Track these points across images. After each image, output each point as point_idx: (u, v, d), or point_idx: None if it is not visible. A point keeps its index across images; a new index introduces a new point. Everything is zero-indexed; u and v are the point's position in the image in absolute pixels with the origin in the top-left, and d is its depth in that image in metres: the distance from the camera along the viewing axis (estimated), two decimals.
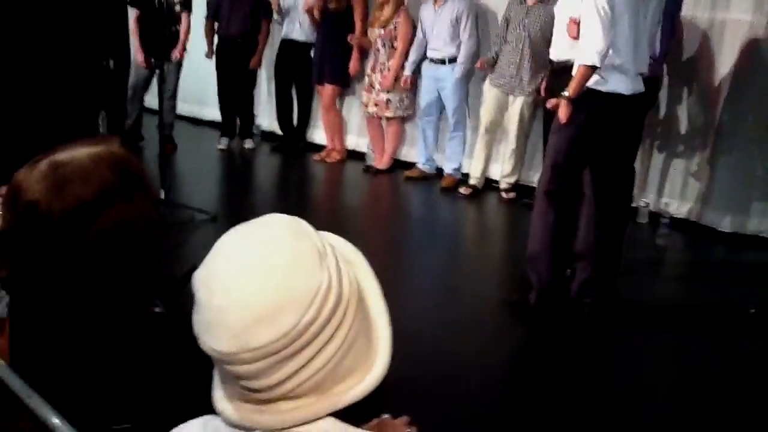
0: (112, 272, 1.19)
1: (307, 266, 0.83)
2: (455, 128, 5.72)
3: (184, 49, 6.17)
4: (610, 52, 3.08)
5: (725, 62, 4.74)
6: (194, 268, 0.85)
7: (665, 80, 4.83)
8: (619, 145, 3.38)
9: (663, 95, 4.91)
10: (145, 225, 1.21)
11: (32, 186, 1.15)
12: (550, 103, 3.52)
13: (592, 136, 3.25)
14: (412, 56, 5.76)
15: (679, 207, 5.01)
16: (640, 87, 3.25)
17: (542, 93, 5.01)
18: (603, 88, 3.14)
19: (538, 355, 3.22)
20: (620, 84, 3.16)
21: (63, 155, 1.18)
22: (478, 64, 5.39)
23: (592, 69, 3.09)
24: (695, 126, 4.92)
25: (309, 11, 6.04)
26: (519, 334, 3.37)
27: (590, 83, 3.14)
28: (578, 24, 3.53)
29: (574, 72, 3.20)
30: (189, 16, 6.06)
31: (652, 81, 3.70)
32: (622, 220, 3.87)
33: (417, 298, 3.71)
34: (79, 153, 1.19)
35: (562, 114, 3.19)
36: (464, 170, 5.76)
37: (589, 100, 3.15)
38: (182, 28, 6.10)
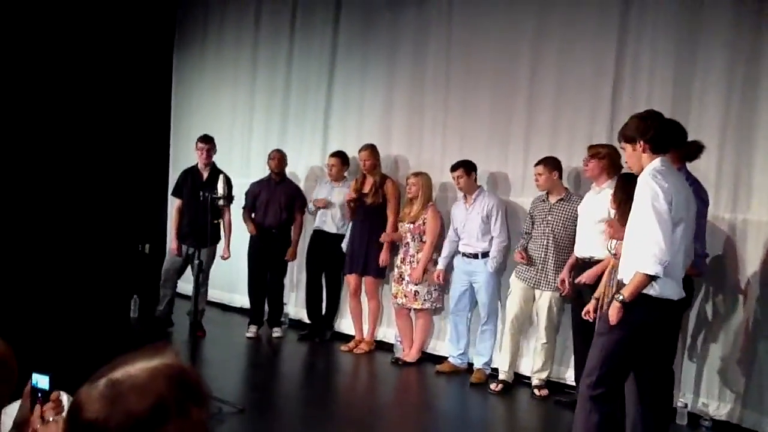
0: None
1: None
2: (487, 321, 5.73)
3: (228, 246, 6.47)
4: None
5: (751, 262, 4.79)
6: None
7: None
8: (662, 347, 3.37)
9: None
10: None
11: (91, 405, 1.20)
12: (589, 314, 3.54)
13: (642, 340, 3.23)
14: (445, 251, 5.91)
15: (718, 408, 4.83)
16: (683, 292, 3.28)
17: (564, 287, 5.06)
18: (653, 293, 3.14)
19: None
20: (670, 290, 3.17)
21: (120, 372, 1.23)
22: (517, 257, 5.42)
23: (651, 278, 3.10)
24: (727, 325, 4.87)
25: (349, 201, 6.30)
26: None
27: None
28: (612, 225, 3.66)
29: (622, 275, 3.23)
30: (230, 211, 6.33)
31: (687, 281, 3.72)
32: (664, 421, 3.75)
33: None
34: (136, 369, 1.23)
35: (614, 316, 3.18)
36: (494, 365, 5.68)
37: (641, 304, 3.14)
38: (225, 224, 6.38)
